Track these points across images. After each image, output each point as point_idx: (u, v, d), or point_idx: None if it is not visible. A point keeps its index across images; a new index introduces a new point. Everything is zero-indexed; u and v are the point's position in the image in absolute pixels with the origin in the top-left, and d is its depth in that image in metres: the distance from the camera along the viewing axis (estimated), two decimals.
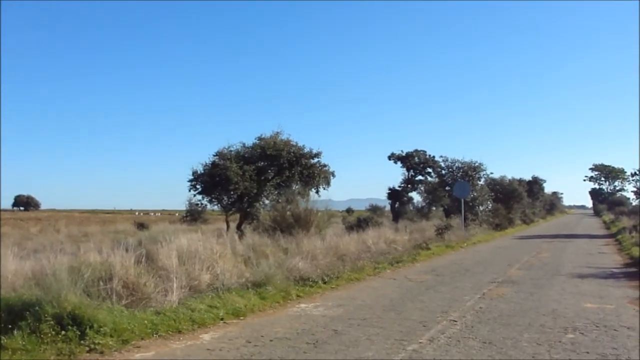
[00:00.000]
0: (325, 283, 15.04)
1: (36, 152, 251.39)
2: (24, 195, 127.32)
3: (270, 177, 26.69)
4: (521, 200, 61.41)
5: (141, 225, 46.25)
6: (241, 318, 10.84)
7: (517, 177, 67.26)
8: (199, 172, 25.96)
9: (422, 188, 47.65)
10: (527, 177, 77.86)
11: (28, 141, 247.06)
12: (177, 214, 73.04)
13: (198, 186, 26.01)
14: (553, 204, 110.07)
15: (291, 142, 26.55)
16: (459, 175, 44.95)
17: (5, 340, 7.80)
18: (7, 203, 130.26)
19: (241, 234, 22.35)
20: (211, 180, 25.22)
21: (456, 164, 45.77)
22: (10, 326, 8.12)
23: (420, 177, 47.08)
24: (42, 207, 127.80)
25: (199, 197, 26.70)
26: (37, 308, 8.44)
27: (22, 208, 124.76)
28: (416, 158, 46.13)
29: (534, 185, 79.14)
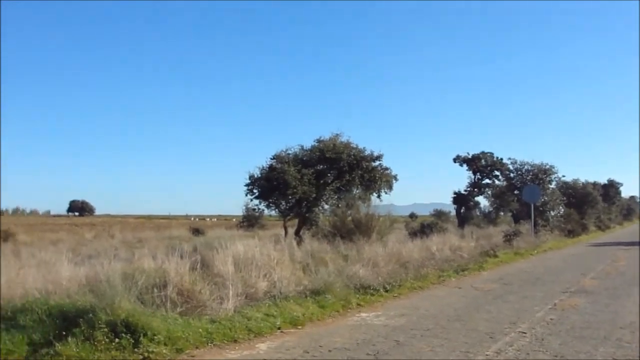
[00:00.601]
0: (387, 291, 14.90)
1: (91, 158, 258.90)
2: (78, 201, 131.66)
3: (329, 181, 26.65)
4: (596, 205, 59.68)
5: (196, 231, 46.92)
6: (299, 327, 10.78)
7: (592, 180, 65.44)
8: (256, 176, 26.11)
9: (489, 192, 46.77)
10: (603, 180, 75.63)
11: (83, 147, 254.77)
12: (233, 220, 73.86)
13: (255, 190, 26.15)
14: (631, 208, 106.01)
15: (351, 145, 26.48)
16: (528, 178, 43.95)
17: (59, 347, 7.92)
18: (62, 208, 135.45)
19: (300, 240, 22.37)
20: (268, 184, 25.32)
21: (525, 167, 44.81)
22: (64, 333, 8.24)
23: (487, 181, 46.22)
24: (97, 212, 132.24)
25: (256, 201, 26.92)
26: (90, 315, 8.55)
27: (76, 213, 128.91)
28: (483, 160, 45.28)
29: (610, 189, 76.70)
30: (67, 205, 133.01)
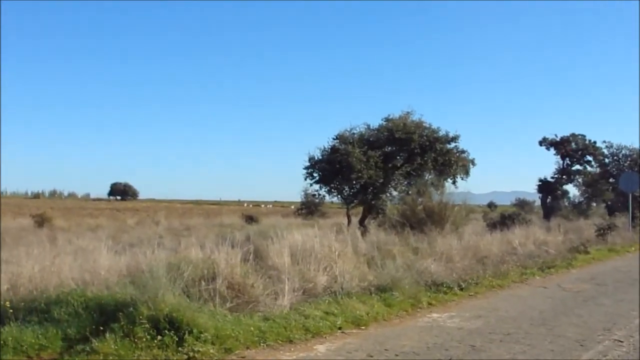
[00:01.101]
0: (462, 290, 14.66)
1: (135, 138, 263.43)
2: (120, 184, 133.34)
3: (399, 165, 26.49)
4: None
5: (250, 219, 47.42)
6: (362, 328, 10.65)
7: None
8: (316, 158, 26.18)
9: (579, 180, 45.78)
10: None
11: (126, 126, 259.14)
12: (291, 207, 74.55)
13: (315, 174, 26.26)
14: None
15: (424, 124, 26.22)
16: (626, 164, 42.77)
17: (97, 344, 7.94)
18: (103, 192, 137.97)
19: (364, 230, 22.32)
20: (330, 167, 25.30)
21: (623, 151, 43.66)
22: (102, 328, 8.27)
23: (577, 167, 45.22)
24: (141, 196, 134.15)
25: (316, 186, 27.07)
26: (131, 309, 8.56)
27: (118, 197, 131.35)
28: (573, 144, 44.23)
29: None
30: (108, 189, 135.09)
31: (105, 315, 8.63)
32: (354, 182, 25.43)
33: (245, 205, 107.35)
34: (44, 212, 47.96)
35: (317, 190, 27.74)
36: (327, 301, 11.37)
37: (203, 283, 10.10)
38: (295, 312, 10.48)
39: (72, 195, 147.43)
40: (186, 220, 50.11)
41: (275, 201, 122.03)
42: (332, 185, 26.22)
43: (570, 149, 44.35)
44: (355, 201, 27.10)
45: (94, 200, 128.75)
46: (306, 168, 26.31)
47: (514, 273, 17.91)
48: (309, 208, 56.11)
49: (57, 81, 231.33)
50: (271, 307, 10.37)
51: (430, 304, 13.07)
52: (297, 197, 54.41)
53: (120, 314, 8.51)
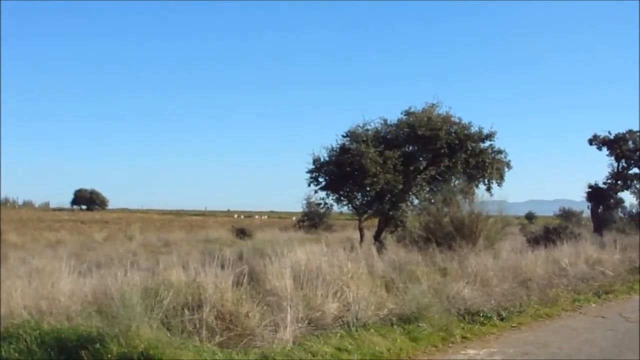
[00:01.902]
0: (502, 320, 14.48)
1: (104, 136, 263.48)
2: (86, 190, 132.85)
3: (422, 168, 26.36)
4: None
5: (241, 232, 47.45)
6: None
7: None
8: (322, 159, 26.06)
9: (637, 186, 45.63)
10: None
11: (93, 123, 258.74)
12: (292, 218, 74.44)
13: (321, 179, 26.16)
14: None
15: (452, 118, 26.03)
16: None
17: None
18: (66, 200, 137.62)
19: (381, 247, 22.11)
20: (339, 170, 25.16)
21: None
22: None
23: (635, 171, 45.07)
24: (111, 206, 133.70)
25: (322, 194, 26.88)
26: (98, 345, 8.41)
27: (84, 207, 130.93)
28: (630, 142, 44.06)
29: None
30: (71, 196, 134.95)
31: (66, 353, 8.47)
32: (368, 188, 25.22)
33: (236, 216, 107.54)
34: None
35: (323, 199, 27.45)
36: (338, 334, 11.20)
37: (187, 312, 9.96)
38: (299, 347, 10.30)
39: (27, 204, 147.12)
40: (165, 234, 50.06)
41: (272, 211, 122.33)
42: (342, 192, 26.07)
43: (626, 148, 44.23)
44: (369, 211, 26.89)
45: (55, 210, 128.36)
46: (310, 172, 26.18)
47: (565, 299, 17.75)
48: (313, 219, 56.20)
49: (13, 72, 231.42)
50: (270, 342, 10.23)
51: (464, 337, 12.90)
52: (297, 207, 54.37)
53: (84, 351, 8.35)
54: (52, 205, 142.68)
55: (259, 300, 11.06)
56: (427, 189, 26.69)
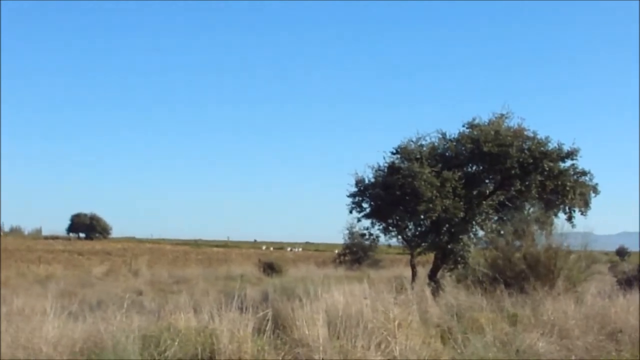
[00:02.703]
0: None
1: (107, 151, 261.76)
2: (85, 215, 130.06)
3: (488, 192, 26.19)
4: None
5: (269, 268, 47.28)
6: None
7: None
8: (367, 181, 26.02)
9: None
10: None
11: (94, 135, 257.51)
12: (333, 251, 74.07)
13: (365, 204, 26.10)
14: None
15: (525, 132, 25.71)
16: None
17: None
18: (61, 227, 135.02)
19: (437, 288, 21.86)
20: (387, 194, 25.03)
21: None
22: None
23: None
24: (114, 234, 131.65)
25: (366, 222, 26.77)
26: None
27: (82, 235, 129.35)
28: None
29: None
30: (67, 222, 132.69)
31: None
32: (422, 216, 25.05)
33: (264, 248, 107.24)
34: None
35: (367, 228, 27.25)
36: None
37: None
38: None
39: (15, 231, 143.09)
40: (179, 269, 50.16)
41: (307, 243, 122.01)
42: (390, 220, 25.95)
43: None
44: (423, 244, 26.72)
45: (47, 238, 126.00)
46: (352, 195, 26.13)
47: None
48: (356, 254, 55.99)
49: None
50: None
51: None
52: (338, 238, 54.25)
53: None
54: (45, 232, 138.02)
55: (285, 352, 11.00)
56: (495, 218, 26.33)
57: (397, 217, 25.71)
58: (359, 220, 26.98)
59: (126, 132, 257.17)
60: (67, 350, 10.38)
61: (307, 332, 11.81)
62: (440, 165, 25.11)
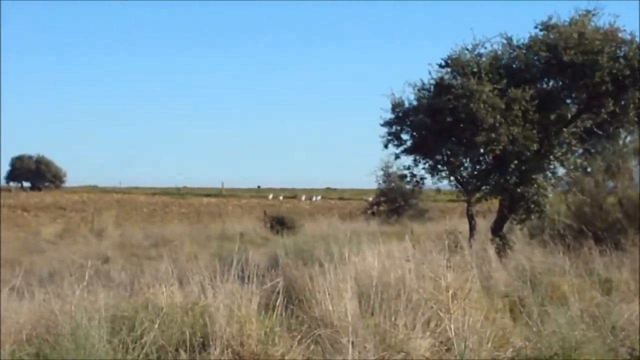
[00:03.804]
0: None
1: (62, 76, 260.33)
2: (30, 158, 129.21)
3: (570, 116, 25.96)
4: None
5: (279, 223, 47.61)
6: None
7: None
8: (406, 104, 25.99)
9: None
10: None
11: (39, 60, 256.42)
12: (362, 199, 74.05)
13: (405, 136, 26.16)
14: None
15: (620, 34, 25.39)
16: None
17: None
18: None
19: (503, 245, 21.94)
20: (435, 122, 24.98)
21: None
22: None
23: None
24: (70, 182, 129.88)
25: (407, 160, 26.86)
26: None
27: (26, 184, 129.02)
28: None
29: None
30: (6, 168, 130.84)
31: None
32: (482, 150, 24.97)
33: (271, 197, 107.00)
34: None
35: (408, 168, 27.20)
36: None
37: (183, 354, 9.94)
38: None
39: None
40: (157, 227, 50.36)
41: (329, 188, 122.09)
42: (439, 157, 25.95)
43: None
44: (484, 188, 26.69)
45: None
46: (387, 124, 26.13)
47: None
48: (394, 202, 56.22)
49: None
50: None
51: None
52: (369, 182, 54.53)
53: None
54: None
55: (301, 334, 11.02)
56: (580, 151, 26.19)
57: (449, 152, 25.66)
58: (397, 157, 27.12)
59: (83, 43, 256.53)
60: (10, 338, 10.44)
61: (330, 308, 11.91)
62: (505, 81, 24.89)
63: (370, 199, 65.69)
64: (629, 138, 26.12)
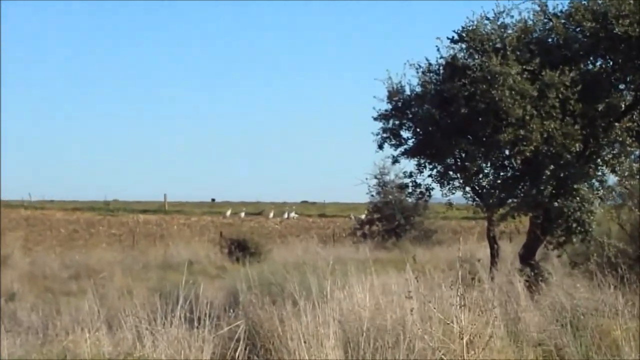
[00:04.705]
0: None
1: None
2: None
3: (623, 107, 25.90)
4: None
5: (241, 247, 47.32)
6: None
7: None
8: (408, 91, 26.06)
9: None
10: None
11: None
12: (350, 216, 73.97)
13: (406, 133, 26.18)
14: None
15: None
16: None
17: None
18: None
19: (535, 277, 21.91)
20: (445, 115, 25.09)
21: None
22: None
23: None
24: None
25: (409, 164, 26.83)
26: None
27: None
28: None
29: None
30: None
31: None
32: (508, 151, 25.05)
33: (229, 214, 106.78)
34: None
35: (410, 175, 27.18)
36: None
37: None
38: None
39: None
40: (78, 253, 50.17)
41: (305, 202, 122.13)
42: (451, 160, 26.03)
43: None
44: (510, 202, 26.67)
45: None
46: (383, 118, 26.17)
47: None
48: (391, 220, 56.09)
49: None
50: None
51: None
52: (359, 194, 54.76)
53: None
54: None
55: None
56: (637, 153, 26.17)
57: (463, 154, 25.63)
58: (395, 160, 27.18)
59: None
60: None
61: (307, 359, 11.90)
62: (537, 60, 24.86)
63: (362, 216, 65.40)
64: None
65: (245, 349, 11.83)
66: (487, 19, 25.64)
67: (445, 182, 26.53)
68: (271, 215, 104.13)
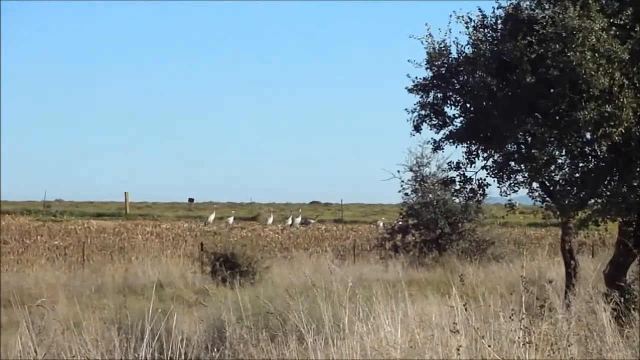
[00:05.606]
0: None
1: None
2: None
3: None
4: None
5: (228, 264, 47.13)
6: None
7: None
8: (453, 53, 26.05)
9: None
10: None
11: None
12: (374, 222, 73.87)
13: (451, 109, 26.18)
14: None
15: None
16: None
17: None
18: None
19: (625, 303, 21.78)
20: (502, 84, 24.92)
21: None
22: None
23: None
24: None
25: (456, 151, 26.62)
26: None
27: None
28: None
29: None
30: None
31: None
32: (590, 135, 24.89)
33: (212, 219, 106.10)
34: None
35: (457, 167, 27.21)
36: None
37: None
38: None
39: None
40: (9, 272, 50.22)
41: (315, 203, 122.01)
42: (512, 147, 25.92)
43: None
44: (592, 202, 26.56)
45: None
46: (419, 89, 26.17)
47: None
48: (430, 227, 55.88)
49: None
50: None
51: None
52: (388, 194, 54.73)
53: None
54: None
55: None
56: None
57: (529, 138, 25.55)
58: (436, 147, 27.17)
59: None
60: None
61: None
62: (630, 10, 24.76)
63: (393, 222, 64.77)
64: None
65: None
66: None
67: (505, 176, 26.38)
68: (270, 220, 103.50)
